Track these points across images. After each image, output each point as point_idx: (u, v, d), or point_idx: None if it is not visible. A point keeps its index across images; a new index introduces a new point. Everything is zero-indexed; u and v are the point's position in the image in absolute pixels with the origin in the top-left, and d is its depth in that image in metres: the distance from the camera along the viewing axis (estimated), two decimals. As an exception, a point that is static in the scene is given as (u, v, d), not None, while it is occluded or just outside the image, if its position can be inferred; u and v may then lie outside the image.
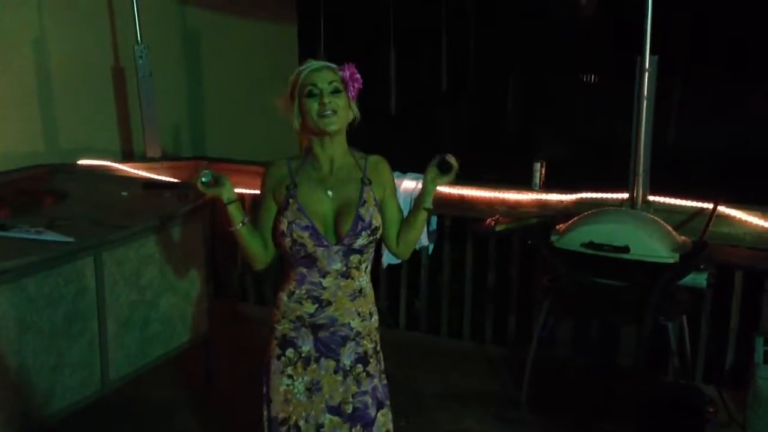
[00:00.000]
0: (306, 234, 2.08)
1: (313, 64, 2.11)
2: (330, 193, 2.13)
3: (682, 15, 8.65)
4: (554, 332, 3.97)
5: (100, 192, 3.71)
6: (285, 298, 2.17)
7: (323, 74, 2.08)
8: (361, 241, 2.11)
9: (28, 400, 2.81)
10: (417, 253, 4.01)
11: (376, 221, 2.14)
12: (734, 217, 3.50)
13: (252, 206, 4.36)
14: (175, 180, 4.15)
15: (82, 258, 2.87)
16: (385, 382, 2.27)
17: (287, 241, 2.10)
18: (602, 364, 3.86)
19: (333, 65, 2.11)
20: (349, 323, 2.17)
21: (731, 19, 9.32)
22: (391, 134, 7.82)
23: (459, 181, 4.12)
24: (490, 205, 4.01)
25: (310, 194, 2.12)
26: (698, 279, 3.18)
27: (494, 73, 9.63)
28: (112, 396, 3.19)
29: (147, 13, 4.87)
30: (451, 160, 2.11)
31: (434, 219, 4.19)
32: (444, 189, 4.11)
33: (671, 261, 3.07)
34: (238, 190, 4.30)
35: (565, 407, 3.49)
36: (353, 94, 2.11)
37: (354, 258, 2.13)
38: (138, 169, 4.54)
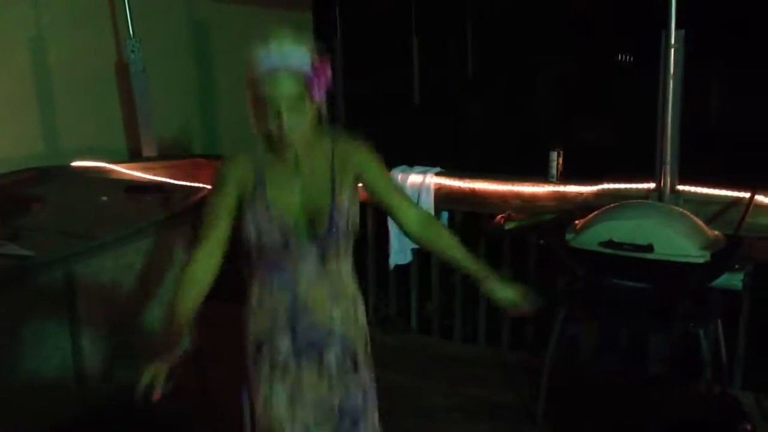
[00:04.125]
0: (277, 234, 1.90)
1: (273, 60, 1.80)
2: (299, 190, 1.93)
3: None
4: (576, 337, 3.67)
5: (79, 197, 3.50)
6: (254, 303, 2.03)
7: (283, 83, 1.80)
8: (336, 240, 1.95)
9: (-3, 424, 2.63)
10: (426, 254, 3.75)
11: (351, 216, 1.96)
12: (775, 207, 3.15)
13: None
14: (167, 181, 3.94)
15: (48, 272, 2.67)
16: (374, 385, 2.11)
17: (253, 242, 1.93)
18: (629, 371, 3.54)
19: (295, 63, 1.81)
20: (333, 329, 1.99)
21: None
22: (414, 123, 7.58)
23: (469, 173, 3.84)
24: (504, 200, 3.72)
25: (280, 192, 1.92)
26: (733, 280, 2.86)
27: (521, 59, 9.27)
28: (94, 415, 3.00)
29: (150, 5, 4.68)
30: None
31: (444, 215, 3.90)
32: (453, 183, 3.83)
33: (701, 261, 2.75)
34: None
35: (587, 420, 3.18)
36: (318, 95, 1.86)
37: (330, 251, 1.96)
38: (133, 169, 4.33)
